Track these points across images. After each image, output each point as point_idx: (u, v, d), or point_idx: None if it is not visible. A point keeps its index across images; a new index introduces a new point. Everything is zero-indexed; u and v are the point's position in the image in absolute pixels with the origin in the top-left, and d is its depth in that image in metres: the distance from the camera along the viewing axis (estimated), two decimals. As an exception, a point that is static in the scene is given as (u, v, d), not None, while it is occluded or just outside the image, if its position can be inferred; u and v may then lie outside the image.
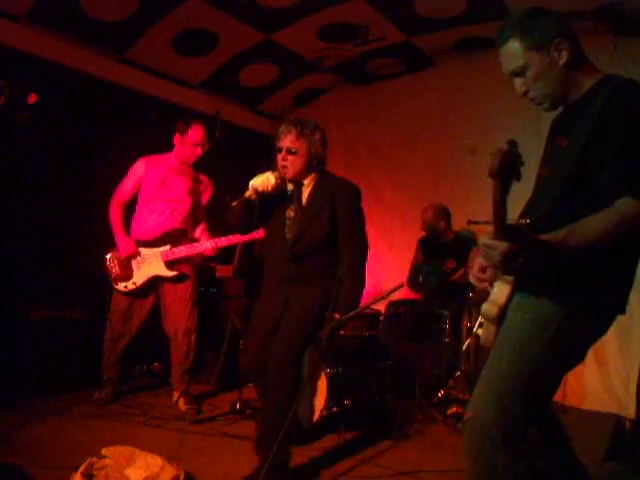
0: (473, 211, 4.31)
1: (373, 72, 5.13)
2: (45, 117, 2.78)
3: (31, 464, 2.39)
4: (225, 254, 3.91)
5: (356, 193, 2.68)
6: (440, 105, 4.90)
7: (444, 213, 4.26)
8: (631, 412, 3.48)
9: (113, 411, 3.34)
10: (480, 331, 1.64)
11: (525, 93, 1.63)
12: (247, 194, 2.53)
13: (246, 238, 3.32)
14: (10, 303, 3.49)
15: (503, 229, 1.36)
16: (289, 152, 2.56)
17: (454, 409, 3.48)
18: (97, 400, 3.45)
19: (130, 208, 3.55)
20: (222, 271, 4.73)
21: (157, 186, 3.47)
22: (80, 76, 4.04)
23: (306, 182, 2.66)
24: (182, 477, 2.34)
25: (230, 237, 3.41)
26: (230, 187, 3.47)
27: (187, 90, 4.79)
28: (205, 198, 3.67)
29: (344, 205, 2.60)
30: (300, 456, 2.79)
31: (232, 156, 5.26)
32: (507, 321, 1.53)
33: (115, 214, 3.47)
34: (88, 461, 2.27)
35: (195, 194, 3.59)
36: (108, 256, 3.45)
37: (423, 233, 4.49)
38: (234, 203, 2.56)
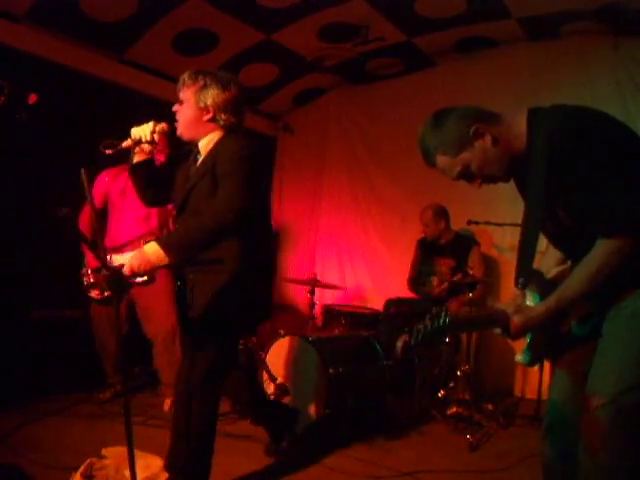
0: (473, 211, 4.32)
1: (373, 72, 5.13)
2: (45, 117, 2.77)
3: (31, 464, 2.39)
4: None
5: (240, 149, 2.14)
6: (440, 105, 4.83)
7: (443, 213, 4.25)
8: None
9: (113, 411, 3.34)
10: None
11: (481, 184, 1.65)
12: (124, 143, 2.22)
13: None
14: (10, 303, 3.49)
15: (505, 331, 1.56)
16: (180, 102, 2.25)
17: (454, 409, 3.48)
18: (96, 398, 3.49)
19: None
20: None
21: (118, 197, 3.53)
22: (80, 76, 4.04)
23: (203, 143, 2.25)
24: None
25: None
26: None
27: (187, 90, 4.79)
28: (170, 205, 3.65)
29: (222, 163, 2.10)
30: (300, 456, 2.80)
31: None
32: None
33: (84, 228, 3.51)
34: (88, 461, 2.28)
35: None
36: (84, 269, 3.49)
37: (422, 233, 4.49)
38: (107, 150, 2.20)
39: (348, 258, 5.43)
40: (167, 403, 3.41)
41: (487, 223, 4.08)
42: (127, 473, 2.20)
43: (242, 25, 4.13)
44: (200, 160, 2.26)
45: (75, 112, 3.96)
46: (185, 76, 2.24)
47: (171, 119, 2.31)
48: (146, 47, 4.17)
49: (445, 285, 4.03)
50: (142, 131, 2.22)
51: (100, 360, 3.63)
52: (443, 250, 4.26)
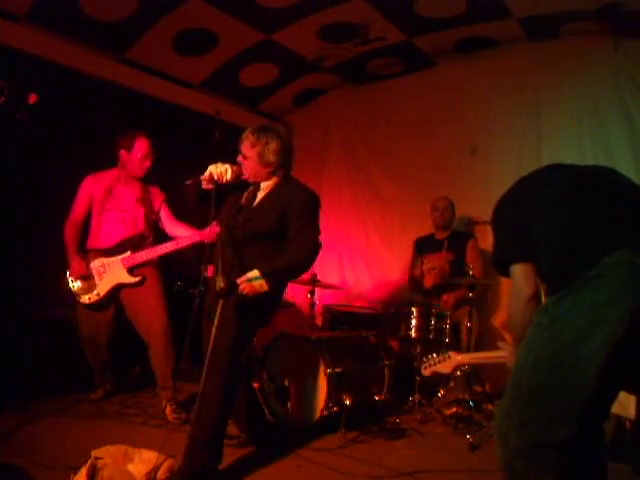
0: (472, 211, 4.33)
1: (373, 72, 5.13)
2: (45, 117, 2.78)
3: (31, 464, 2.39)
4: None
5: (312, 199, 2.65)
6: (440, 105, 4.90)
7: (454, 208, 4.35)
8: (631, 412, 3.48)
9: (112, 411, 3.34)
10: None
11: None
12: (202, 177, 2.57)
13: (204, 238, 3.19)
14: (10, 303, 3.49)
15: None
16: (244, 157, 2.65)
17: (454, 409, 3.47)
18: (90, 400, 3.48)
19: (87, 225, 3.53)
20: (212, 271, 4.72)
21: (105, 198, 3.45)
22: (80, 76, 4.04)
23: (264, 185, 2.68)
24: (177, 467, 2.36)
25: (190, 236, 3.36)
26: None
27: (187, 90, 4.79)
28: (156, 205, 3.60)
29: (297, 208, 2.57)
30: (301, 456, 2.80)
31: (232, 156, 5.26)
32: None
33: (69, 234, 3.46)
34: (90, 461, 2.27)
35: (145, 202, 3.54)
36: (68, 276, 3.44)
37: (422, 233, 4.50)
38: (188, 181, 2.63)
39: (348, 258, 5.43)
40: (164, 406, 3.30)
41: (486, 222, 4.09)
42: (130, 468, 2.21)
43: (242, 25, 4.13)
44: (261, 196, 2.67)
45: (75, 112, 3.97)
46: (248, 134, 2.65)
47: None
48: (146, 47, 4.18)
49: (433, 277, 4.09)
50: (222, 172, 2.56)
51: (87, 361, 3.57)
52: (441, 245, 4.28)
